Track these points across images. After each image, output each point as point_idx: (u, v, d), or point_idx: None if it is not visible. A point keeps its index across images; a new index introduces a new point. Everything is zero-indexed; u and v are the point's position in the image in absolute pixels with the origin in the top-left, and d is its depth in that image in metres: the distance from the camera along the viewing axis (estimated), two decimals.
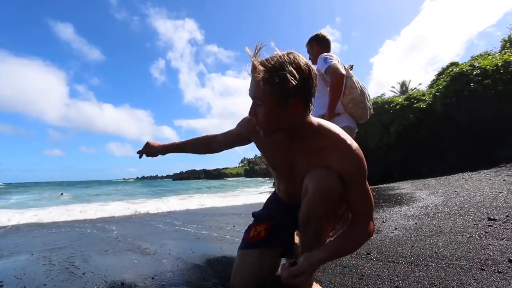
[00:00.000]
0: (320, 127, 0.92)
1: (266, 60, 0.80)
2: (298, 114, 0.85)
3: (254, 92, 0.83)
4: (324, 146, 0.91)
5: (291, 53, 0.81)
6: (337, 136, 0.91)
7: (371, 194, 0.93)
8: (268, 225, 1.14)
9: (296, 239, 1.32)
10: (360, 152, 0.90)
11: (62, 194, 15.45)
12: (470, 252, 1.38)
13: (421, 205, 3.08)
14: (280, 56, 0.79)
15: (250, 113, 0.87)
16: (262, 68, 0.78)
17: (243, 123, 1.11)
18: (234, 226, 2.75)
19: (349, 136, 0.92)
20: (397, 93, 22.90)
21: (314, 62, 2.12)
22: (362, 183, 0.90)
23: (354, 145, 0.90)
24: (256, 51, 0.81)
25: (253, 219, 1.23)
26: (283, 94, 0.79)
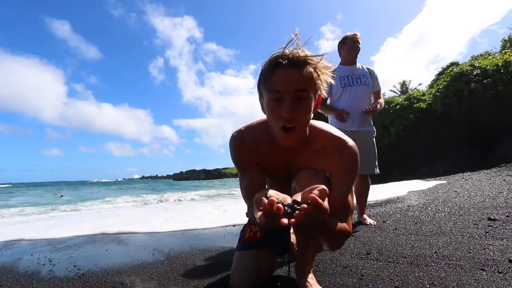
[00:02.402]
0: (315, 128, 0.92)
1: (298, 51, 0.76)
2: (314, 111, 0.83)
3: (301, 83, 0.76)
4: (321, 148, 0.90)
5: (301, 47, 0.79)
6: (331, 135, 0.90)
7: (354, 197, 0.92)
8: None
9: (292, 238, 1.32)
10: (356, 149, 0.89)
11: (62, 196, 15.42)
12: (470, 252, 1.38)
13: (421, 205, 3.08)
14: (303, 50, 0.77)
15: (289, 110, 0.76)
16: (311, 56, 0.76)
17: (240, 151, 0.97)
18: (234, 226, 2.75)
19: (343, 133, 0.92)
20: (397, 93, 22.92)
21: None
22: (349, 180, 0.89)
23: (350, 142, 0.90)
24: (294, 42, 0.77)
25: (247, 218, 1.22)
26: (319, 85, 0.79)
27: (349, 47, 2.29)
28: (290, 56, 0.75)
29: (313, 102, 0.81)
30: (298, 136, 0.83)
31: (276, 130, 0.82)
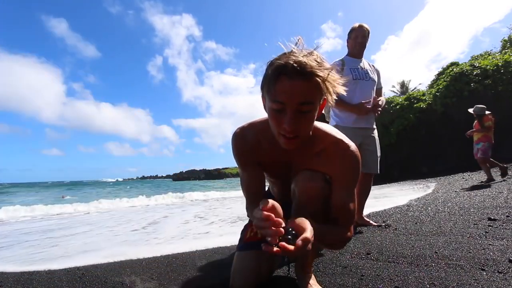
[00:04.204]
0: (318, 129, 0.90)
1: (307, 58, 0.71)
2: (318, 114, 0.80)
3: (305, 96, 0.72)
4: (322, 150, 0.89)
5: (312, 51, 0.75)
6: (334, 138, 0.89)
7: (356, 202, 0.90)
8: None
9: None
10: (358, 154, 0.87)
11: (63, 197, 15.38)
12: (470, 252, 1.38)
13: (421, 205, 3.08)
14: (312, 53, 0.73)
15: (291, 122, 0.73)
16: (318, 68, 0.71)
17: (242, 148, 0.97)
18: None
19: (345, 136, 0.91)
20: (397, 93, 22.89)
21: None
22: (351, 186, 0.88)
23: (352, 146, 0.88)
24: (302, 48, 0.73)
25: (248, 218, 1.22)
26: (327, 95, 0.75)
27: (353, 41, 2.24)
28: (297, 65, 0.69)
29: (317, 110, 0.78)
30: (299, 142, 0.81)
31: (277, 135, 0.81)
